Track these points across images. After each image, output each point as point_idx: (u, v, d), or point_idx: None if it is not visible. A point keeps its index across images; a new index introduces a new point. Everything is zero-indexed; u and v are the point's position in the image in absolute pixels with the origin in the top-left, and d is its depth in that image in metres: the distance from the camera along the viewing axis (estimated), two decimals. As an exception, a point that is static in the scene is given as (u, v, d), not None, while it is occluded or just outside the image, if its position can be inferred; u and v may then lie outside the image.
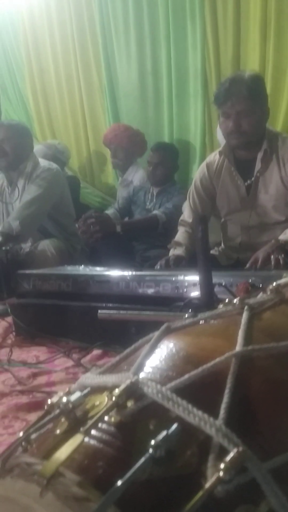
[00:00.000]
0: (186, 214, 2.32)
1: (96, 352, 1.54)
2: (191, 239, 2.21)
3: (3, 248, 2.47)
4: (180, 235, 2.29)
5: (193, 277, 1.45)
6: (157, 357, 0.51)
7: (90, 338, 1.60)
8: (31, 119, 4.45)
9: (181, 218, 2.36)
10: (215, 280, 1.29)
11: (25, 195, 2.72)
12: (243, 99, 1.92)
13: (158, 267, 2.06)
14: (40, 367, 1.47)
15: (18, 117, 4.48)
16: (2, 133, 2.73)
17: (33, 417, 1.13)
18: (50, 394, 1.25)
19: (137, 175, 3.50)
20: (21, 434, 0.47)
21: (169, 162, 3.04)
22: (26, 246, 2.76)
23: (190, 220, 2.27)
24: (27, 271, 1.94)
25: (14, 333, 1.86)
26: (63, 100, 4.21)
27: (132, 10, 3.59)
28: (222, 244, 2.35)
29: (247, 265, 1.84)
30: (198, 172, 2.30)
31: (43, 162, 2.87)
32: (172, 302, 1.40)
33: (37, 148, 3.47)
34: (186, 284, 1.46)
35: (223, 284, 1.30)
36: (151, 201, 3.05)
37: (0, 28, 4.47)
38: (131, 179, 3.51)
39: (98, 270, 1.87)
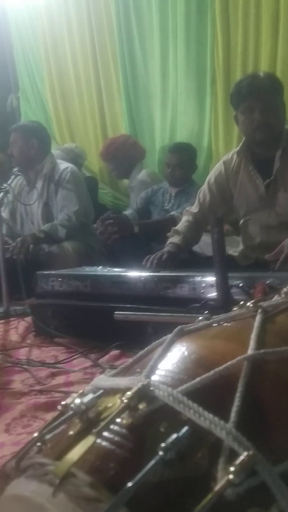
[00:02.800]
0: (193, 205, 2.32)
1: (114, 352, 1.56)
2: (191, 228, 2.23)
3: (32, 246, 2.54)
4: (181, 224, 2.29)
5: (210, 278, 1.44)
6: (170, 360, 0.52)
7: (107, 339, 1.61)
8: (50, 121, 4.48)
9: (186, 208, 2.36)
10: (232, 281, 1.29)
11: (66, 204, 2.77)
12: (268, 92, 1.94)
13: (148, 265, 2.04)
14: (59, 367, 1.49)
15: (37, 119, 4.52)
16: (11, 137, 2.82)
17: (51, 416, 1.13)
18: (68, 394, 1.26)
19: (140, 176, 3.54)
20: (35, 434, 0.48)
21: (187, 163, 3.03)
22: (46, 247, 2.79)
23: (195, 211, 2.27)
24: (46, 272, 1.96)
25: (33, 333, 1.89)
26: (82, 101, 4.23)
27: (145, 9, 3.60)
28: (241, 245, 2.33)
29: (271, 254, 1.81)
30: (214, 170, 2.29)
31: (62, 164, 2.90)
32: (189, 303, 1.40)
33: (54, 154, 3.51)
34: (203, 285, 1.46)
35: (239, 285, 1.30)
36: (169, 201, 3.05)
37: (20, 30, 4.52)
38: (135, 183, 3.55)
39: (116, 271, 1.88)
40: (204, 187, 2.27)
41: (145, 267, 1.96)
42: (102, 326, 1.66)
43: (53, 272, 1.95)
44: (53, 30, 4.27)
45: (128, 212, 3.16)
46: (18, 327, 2.01)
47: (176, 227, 2.27)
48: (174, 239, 2.20)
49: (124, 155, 3.53)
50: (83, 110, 4.24)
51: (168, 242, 2.21)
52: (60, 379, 1.39)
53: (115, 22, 3.80)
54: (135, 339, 1.53)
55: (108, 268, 2.00)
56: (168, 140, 3.62)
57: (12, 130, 2.84)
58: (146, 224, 2.86)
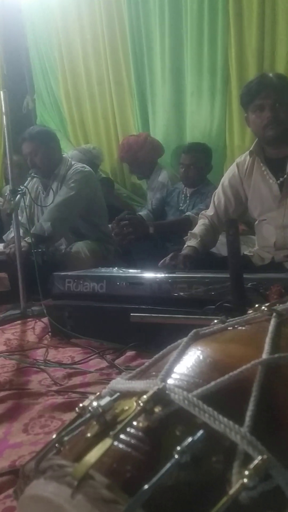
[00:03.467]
0: (209, 208, 2.33)
1: (130, 353, 1.56)
2: (207, 231, 2.25)
3: (39, 250, 2.53)
4: (198, 227, 2.31)
5: (226, 279, 1.45)
6: (185, 364, 0.52)
7: (123, 340, 1.62)
8: (65, 122, 4.52)
9: (202, 211, 2.37)
10: (247, 282, 1.29)
11: (57, 197, 2.77)
12: (277, 89, 1.97)
13: (164, 264, 2.06)
14: (75, 368, 1.50)
15: (52, 121, 4.58)
16: (28, 147, 2.77)
17: (68, 417, 1.15)
18: (84, 395, 1.28)
19: (160, 177, 3.54)
20: (54, 436, 0.49)
21: (201, 163, 3.02)
22: (61, 248, 2.81)
23: (210, 214, 2.29)
24: (62, 273, 1.98)
25: (50, 334, 1.91)
26: (94, 103, 4.26)
27: (157, 9, 3.61)
28: (256, 245, 2.33)
29: None
30: (227, 172, 2.31)
31: (76, 164, 2.92)
32: (204, 304, 1.40)
33: (72, 154, 3.54)
34: (218, 286, 1.46)
35: (255, 287, 1.30)
36: (184, 202, 3.05)
37: (35, 32, 4.56)
38: (156, 184, 3.55)
39: (131, 272, 1.89)
40: (219, 190, 2.29)
41: (162, 269, 1.97)
42: (117, 327, 1.67)
43: (69, 273, 1.97)
44: (67, 32, 4.30)
45: (143, 212, 3.17)
46: (35, 328, 2.04)
47: (193, 231, 2.29)
48: (191, 242, 2.22)
49: (147, 156, 3.53)
50: (95, 112, 4.26)
51: (185, 245, 2.22)
52: (76, 380, 1.40)
53: (127, 22, 3.82)
54: (150, 340, 1.54)
55: (124, 269, 2.01)
56: (180, 140, 3.62)
57: (26, 139, 2.78)
58: (161, 224, 2.87)
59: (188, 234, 2.29)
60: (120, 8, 3.88)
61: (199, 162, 3.03)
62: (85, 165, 2.96)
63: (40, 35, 4.54)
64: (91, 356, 1.60)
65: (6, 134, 2.32)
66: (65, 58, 4.36)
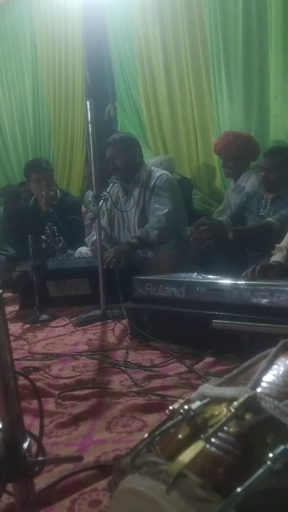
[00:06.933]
0: None
1: (209, 359, 1.57)
2: None
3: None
4: (286, 239, 2.22)
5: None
6: (274, 374, 0.53)
7: (202, 345, 1.63)
8: (144, 128, 4.61)
9: None
10: None
11: (155, 205, 2.85)
12: None
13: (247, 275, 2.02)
14: (155, 371, 1.53)
15: (132, 127, 4.68)
16: (111, 151, 2.89)
17: (149, 418, 1.19)
18: (164, 398, 1.30)
19: (249, 182, 3.47)
20: (146, 435, 0.52)
21: (283, 167, 2.94)
22: (140, 252, 2.87)
23: None
24: (142, 277, 2.02)
25: (129, 336, 1.96)
26: (174, 109, 4.29)
27: (241, 12, 3.56)
28: None
29: None
30: None
31: (158, 171, 2.98)
32: (286, 314, 1.38)
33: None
34: (301, 295, 1.43)
35: None
36: (265, 207, 2.98)
37: (118, 43, 4.70)
38: (244, 185, 3.49)
39: (211, 278, 1.89)
40: None
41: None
42: (196, 333, 1.68)
43: (149, 277, 2.00)
44: (148, 41, 4.37)
45: (222, 218, 3.15)
46: (115, 329, 2.10)
47: (280, 245, 2.20)
48: (276, 257, 2.14)
49: (244, 155, 3.48)
50: (175, 118, 4.30)
51: (271, 260, 2.15)
52: (156, 383, 1.43)
53: (208, 27, 3.80)
54: (230, 347, 1.54)
55: (203, 275, 2.01)
56: (263, 144, 3.56)
57: (109, 144, 2.92)
58: (240, 230, 2.83)
59: (276, 248, 2.22)
60: (201, 14, 3.88)
61: (281, 166, 2.94)
62: (167, 172, 3.03)
63: (122, 45, 4.68)
64: (170, 360, 1.62)
65: (91, 142, 2.42)
66: (146, 67, 4.45)
